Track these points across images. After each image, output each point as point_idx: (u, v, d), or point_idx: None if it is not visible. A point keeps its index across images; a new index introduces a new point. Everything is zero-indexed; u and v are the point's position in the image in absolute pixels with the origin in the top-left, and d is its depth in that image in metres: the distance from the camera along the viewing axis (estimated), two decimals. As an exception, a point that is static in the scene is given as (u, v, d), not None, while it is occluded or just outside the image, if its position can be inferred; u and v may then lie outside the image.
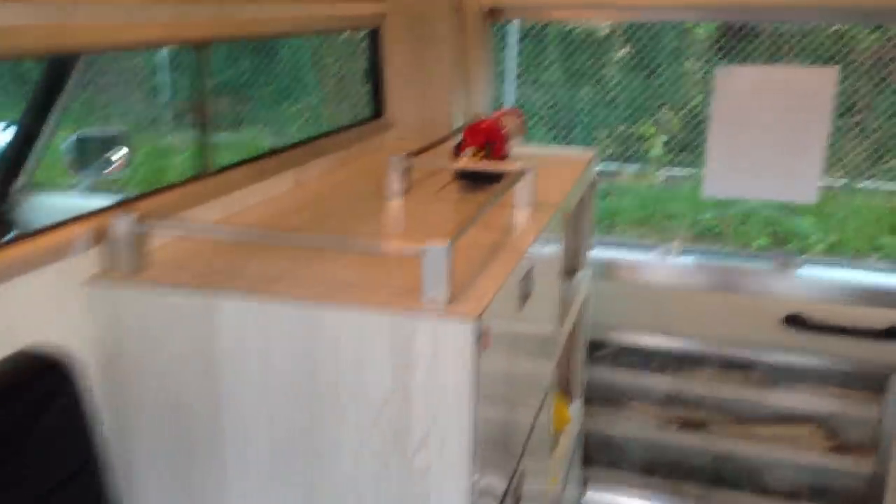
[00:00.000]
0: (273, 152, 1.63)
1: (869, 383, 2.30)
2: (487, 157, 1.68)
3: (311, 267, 1.17)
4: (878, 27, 5.82)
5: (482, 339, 1.01)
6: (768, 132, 2.19)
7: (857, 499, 2.37)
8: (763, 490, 2.48)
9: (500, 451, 1.23)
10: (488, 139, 1.71)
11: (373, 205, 1.55)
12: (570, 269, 2.19)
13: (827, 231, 5.53)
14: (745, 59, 5.91)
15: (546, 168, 1.56)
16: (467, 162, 1.65)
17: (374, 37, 2.14)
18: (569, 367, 2.33)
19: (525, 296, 1.29)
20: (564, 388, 2.33)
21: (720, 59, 6.08)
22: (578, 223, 2.19)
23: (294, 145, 1.72)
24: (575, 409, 2.33)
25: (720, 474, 2.52)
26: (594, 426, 2.53)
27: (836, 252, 5.36)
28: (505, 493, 1.26)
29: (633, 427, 2.54)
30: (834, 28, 5.87)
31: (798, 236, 5.48)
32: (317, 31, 1.99)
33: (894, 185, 5.95)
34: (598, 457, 2.60)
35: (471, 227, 1.13)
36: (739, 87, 2.18)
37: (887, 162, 5.96)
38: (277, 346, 1.06)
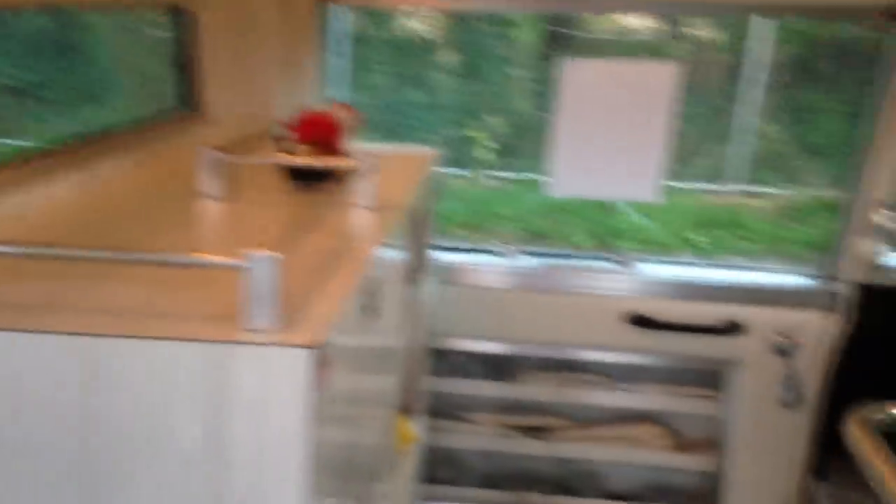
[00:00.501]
0: (50, 149, 1.35)
1: (708, 379, 2.31)
2: (319, 153, 1.49)
3: (95, 289, 0.93)
4: (685, 38, 6.14)
5: (321, 373, 0.82)
6: (612, 129, 2.14)
7: (699, 496, 2.38)
8: (607, 493, 2.44)
9: (341, 486, 1.05)
10: (320, 134, 1.52)
11: (183, 211, 1.31)
12: (413, 274, 2.04)
13: (644, 228, 5.75)
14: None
15: (386, 167, 1.39)
16: (297, 158, 1.45)
17: (186, 18, 1.89)
18: (411, 380, 2.17)
19: (370, 309, 1.12)
20: (407, 403, 2.18)
21: (542, 64, 6.19)
22: (419, 225, 2.04)
23: (80, 141, 1.44)
24: (418, 424, 2.18)
25: (564, 480, 2.46)
26: (436, 441, 2.39)
27: (651, 249, 5.58)
28: None
29: (475, 439, 2.42)
30: (644, 38, 6.14)
31: (618, 234, 5.66)
32: (112, 6, 1.71)
33: (699, 184, 6.31)
34: (441, 473, 2.46)
35: (304, 232, 0.94)
36: (584, 81, 2.12)
37: (692, 163, 6.31)
38: (43, 395, 0.82)
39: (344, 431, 1.04)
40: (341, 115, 1.66)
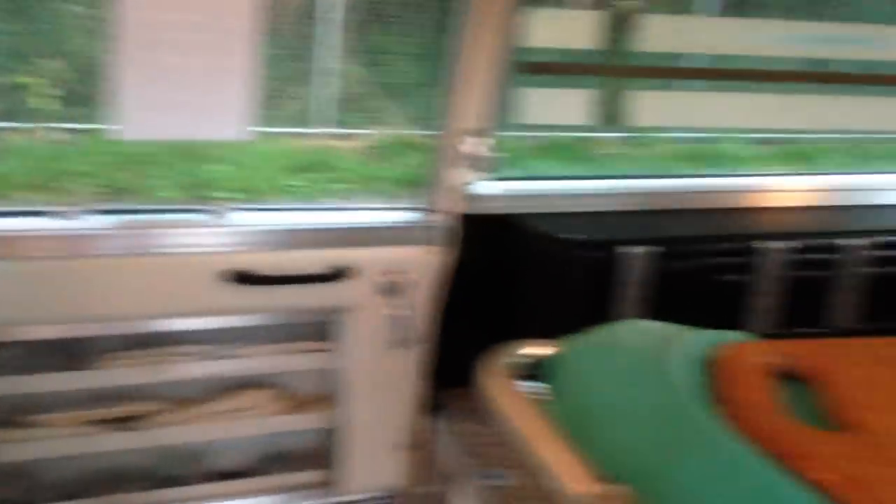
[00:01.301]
0: None
1: (319, 331, 2.16)
2: None
3: None
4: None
5: None
6: (189, 59, 1.81)
7: (318, 454, 2.24)
8: (218, 474, 2.19)
9: None
10: None
11: None
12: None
13: (237, 177, 5.48)
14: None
15: None
16: None
17: None
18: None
19: None
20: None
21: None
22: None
23: None
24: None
25: (167, 470, 2.15)
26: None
27: (251, 198, 5.35)
28: None
29: (51, 444, 1.98)
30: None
31: (209, 184, 5.31)
32: None
33: (286, 129, 6.19)
34: (10, 494, 1.99)
35: None
36: (149, 4, 1.75)
37: (277, 107, 6.15)
38: None
39: None
40: None
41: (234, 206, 2.05)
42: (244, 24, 1.83)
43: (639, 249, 2.06)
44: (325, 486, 2.21)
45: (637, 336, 0.98)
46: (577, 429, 0.86)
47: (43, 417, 1.99)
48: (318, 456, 2.24)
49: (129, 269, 1.90)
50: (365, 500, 2.22)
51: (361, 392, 2.15)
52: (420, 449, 2.20)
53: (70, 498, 2.04)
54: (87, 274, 1.87)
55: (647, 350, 0.93)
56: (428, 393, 2.19)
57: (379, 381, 2.15)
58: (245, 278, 1.96)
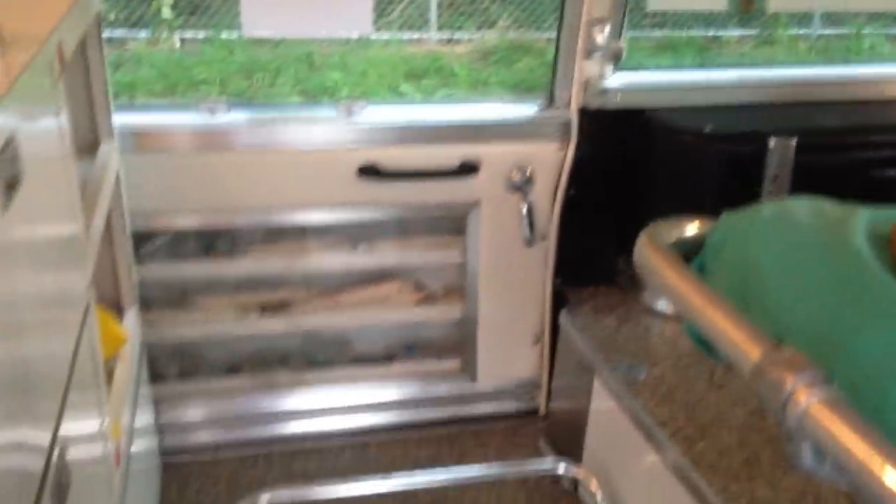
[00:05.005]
0: None
1: (448, 226, 2.18)
2: None
3: None
4: None
5: None
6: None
7: (451, 345, 2.29)
8: (358, 359, 2.28)
9: (21, 418, 0.75)
10: None
11: None
12: (88, 143, 1.62)
13: (353, 84, 5.49)
14: None
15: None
16: None
17: None
18: (112, 271, 1.79)
19: (8, 186, 0.76)
20: (110, 299, 1.80)
21: None
22: (87, 77, 1.60)
23: None
24: (130, 321, 1.81)
25: (312, 353, 2.25)
26: (158, 335, 2.03)
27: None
28: (45, 470, 0.80)
29: (205, 325, 2.11)
30: None
31: (327, 91, 5.35)
32: None
33: (401, 34, 6.10)
34: (170, 370, 2.14)
35: None
36: None
37: (390, 13, 6.05)
38: None
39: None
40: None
41: (362, 102, 2.06)
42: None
43: (782, 141, 1.95)
44: (460, 374, 2.26)
45: (809, 208, 0.95)
46: (743, 297, 0.84)
47: (199, 300, 2.12)
48: (453, 347, 2.29)
49: (266, 162, 1.96)
50: (500, 390, 2.25)
51: (492, 286, 2.17)
52: (553, 343, 2.20)
53: (226, 374, 2.19)
54: (226, 167, 1.94)
55: (823, 219, 0.90)
56: (558, 289, 2.18)
57: (509, 276, 2.16)
58: (374, 173, 1.98)
